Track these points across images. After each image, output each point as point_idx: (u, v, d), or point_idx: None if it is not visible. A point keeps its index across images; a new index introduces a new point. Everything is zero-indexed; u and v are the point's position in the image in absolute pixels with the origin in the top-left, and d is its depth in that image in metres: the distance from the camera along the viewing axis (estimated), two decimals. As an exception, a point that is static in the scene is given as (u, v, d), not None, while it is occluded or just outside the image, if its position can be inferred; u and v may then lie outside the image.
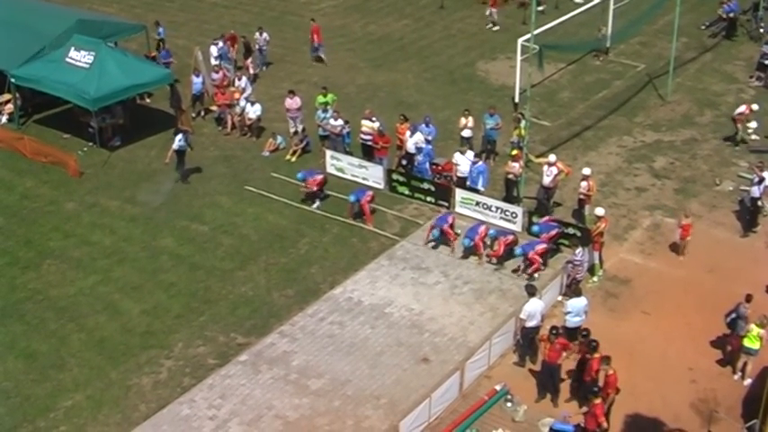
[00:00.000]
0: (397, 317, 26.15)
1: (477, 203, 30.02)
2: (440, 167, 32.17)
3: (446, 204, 30.69)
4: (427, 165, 31.98)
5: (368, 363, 24.55)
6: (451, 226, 28.68)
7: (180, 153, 32.63)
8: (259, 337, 25.57)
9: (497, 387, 23.44)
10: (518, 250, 27.36)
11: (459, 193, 30.53)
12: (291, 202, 31.47)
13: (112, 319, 26.62)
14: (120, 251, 29.45)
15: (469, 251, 28.29)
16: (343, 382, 23.92)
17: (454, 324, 25.74)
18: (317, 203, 31.03)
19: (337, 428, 22.52)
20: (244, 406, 23.17)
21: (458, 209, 30.33)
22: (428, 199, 31.16)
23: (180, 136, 32.52)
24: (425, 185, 31.25)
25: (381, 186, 31.97)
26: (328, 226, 30.28)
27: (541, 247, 27.34)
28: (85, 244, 29.88)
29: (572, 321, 24.37)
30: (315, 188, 30.86)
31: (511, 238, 27.95)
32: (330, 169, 32.72)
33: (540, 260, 27.20)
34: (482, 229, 28.19)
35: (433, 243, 28.98)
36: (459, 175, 31.06)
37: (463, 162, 30.97)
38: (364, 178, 32.22)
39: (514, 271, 27.66)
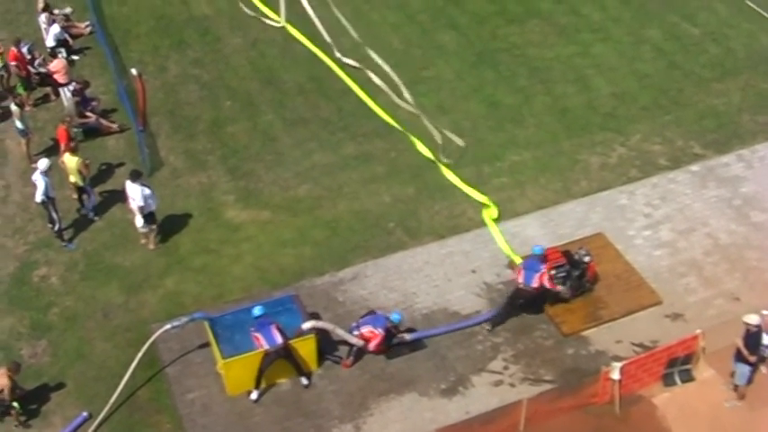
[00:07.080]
0: None
1: None
2: None
3: None
4: None
5: (818, 213, 23.56)
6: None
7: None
8: (716, 154, 25.15)
9: None
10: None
11: None
12: (792, 30, 29.69)
13: (580, 93, 27.17)
14: (605, 30, 29.53)
15: None
16: (787, 224, 23.19)
17: None
18: None
19: (764, 267, 22.04)
20: (680, 214, 23.29)
21: None
22: None
23: None
24: None
25: None
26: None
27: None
28: (574, 14, 30.20)
29: None
30: None
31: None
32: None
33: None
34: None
35: None
36: None
37: None
38: None
39: None
